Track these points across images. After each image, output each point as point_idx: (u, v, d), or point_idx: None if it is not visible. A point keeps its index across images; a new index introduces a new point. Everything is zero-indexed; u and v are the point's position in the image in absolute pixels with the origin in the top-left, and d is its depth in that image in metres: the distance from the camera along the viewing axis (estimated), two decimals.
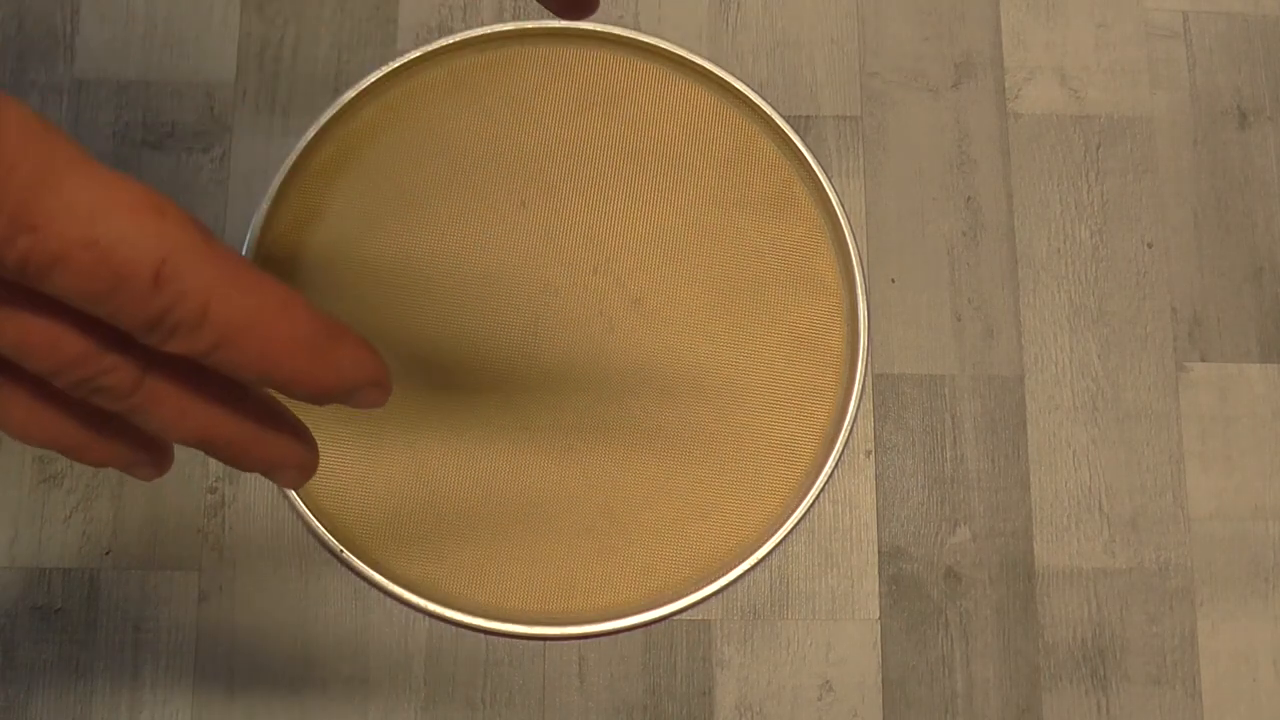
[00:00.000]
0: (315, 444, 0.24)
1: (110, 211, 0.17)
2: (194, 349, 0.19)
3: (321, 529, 0.44)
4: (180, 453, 0.46)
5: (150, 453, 0.23)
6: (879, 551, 0.46)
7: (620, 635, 0.45)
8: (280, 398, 0.22)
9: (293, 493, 0.45)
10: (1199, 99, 0.51)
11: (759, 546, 0.45)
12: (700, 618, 0.45)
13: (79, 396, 0.20)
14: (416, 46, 0.49)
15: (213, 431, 0.21)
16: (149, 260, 0.17)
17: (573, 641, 0.45)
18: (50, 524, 0.45)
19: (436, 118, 0.49)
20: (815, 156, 0.49)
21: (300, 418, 0.23)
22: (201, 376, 0.21)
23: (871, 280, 0.49)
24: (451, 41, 0.49)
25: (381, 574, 0.44)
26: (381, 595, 0.44)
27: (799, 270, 0.48)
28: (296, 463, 0.23)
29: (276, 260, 0.47)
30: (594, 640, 0.45)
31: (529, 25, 0.49)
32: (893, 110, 0.50)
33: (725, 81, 0.49)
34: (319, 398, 0.21)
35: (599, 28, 0.49)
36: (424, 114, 0.49)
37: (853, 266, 0.48)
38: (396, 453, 0.46)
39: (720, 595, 0.45)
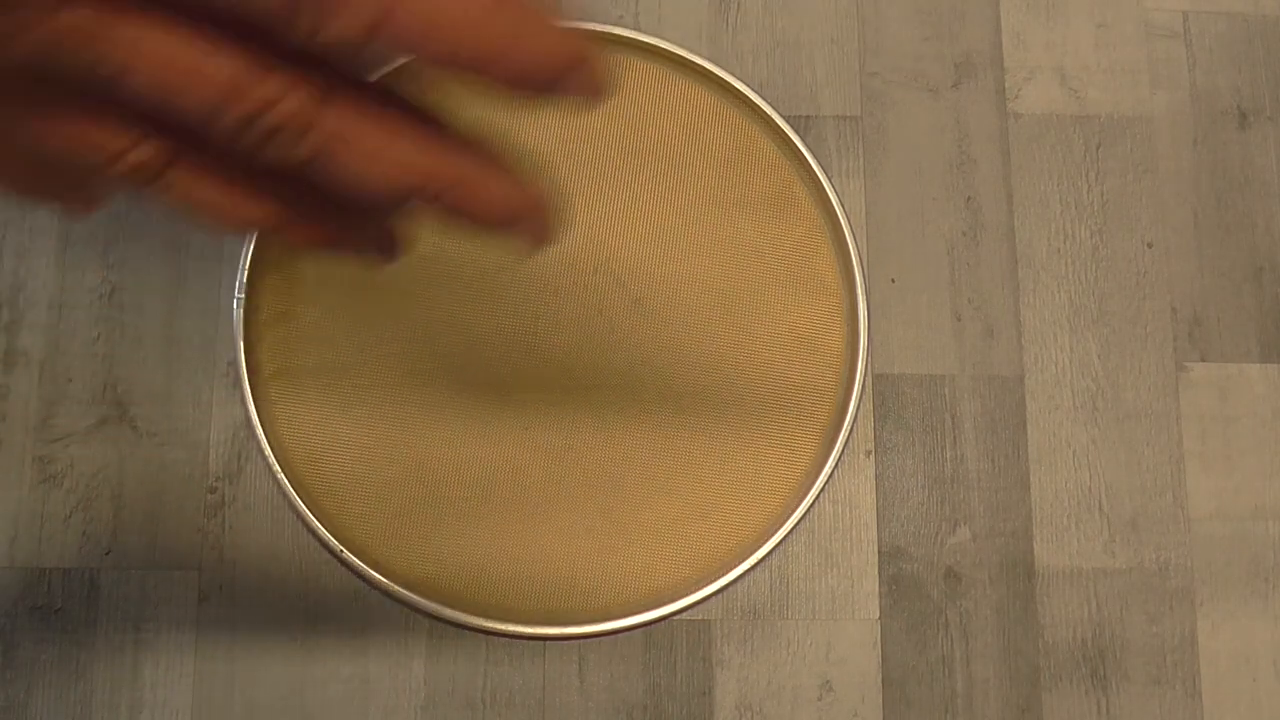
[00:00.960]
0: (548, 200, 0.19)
1: None
2: (356, 25, 0.15)
3: (322, 529, 0.44)
4: (180, 452, 0.46)
5: (363, 227, 0.19)
6: (879, 551, 0.46)
7: (620, 635, 0.45)
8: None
9: (293, 493, 0.45)
10: (1199, 99, 0.51)
11: (759, 546, 0.45)
12: (700, 618, 0.45)
13: (255, 152, 0.16)
14: None
15: (422, 168, 0.17)
16: None
17: (573, 641, 0.45)
18: (50, 524, 0.45)
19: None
20: (815, 156, 0.49)
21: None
22: (389, 105, 0.17)
23: (871, 280, 0.49)
24: None
25: (381, 574, 0.44)
26: (381, 595, 0.44)
27: (799, 270, 0.48)
28: (533, 207, 0.19)
29: (276, 264, 0.47)
30: (594, 640, 0.45)
31: None
32: (893, 110, 0.50)
33: (725, 81, 0.49)
34: (525, 81, 0.16)
35: (599, 28, 0.49)
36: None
37: (853, 266, 0.48)
38: (396, 452, 0.46)
39: (720, 595, 0.45)
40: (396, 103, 0.17)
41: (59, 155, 0.17)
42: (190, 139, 0.17)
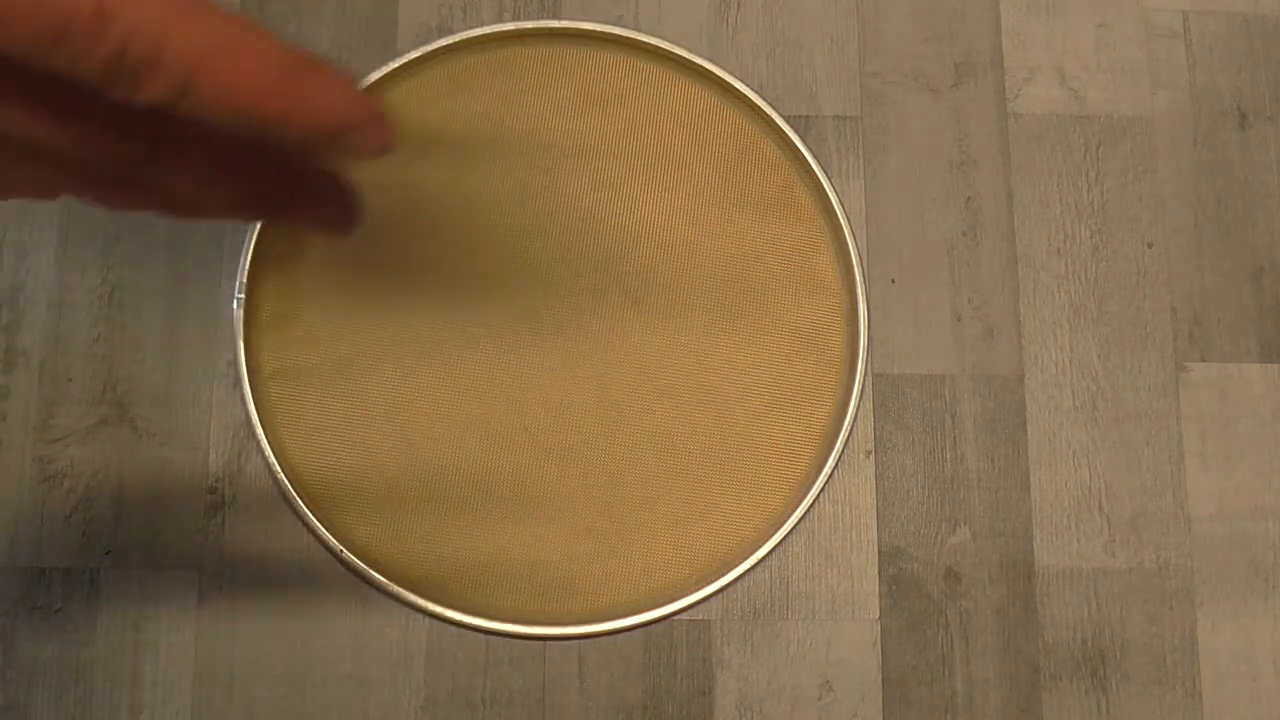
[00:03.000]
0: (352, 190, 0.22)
1: None
2: (161, 94, 0.18)
3: (322, 529, 0.44)
4: (180, 452, 0.46)
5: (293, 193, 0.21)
6: (879, 551, 0.46)
7: (620, 635, 0.45)
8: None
9: (293, 493, 0.45)
10: (1199, 99, 0.51)
11: (759, 546, 0.45)
12: (700, 618, 0.45)
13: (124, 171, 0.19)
14: (416, 46, 0.49)
15: (271, 85, 0.19)
16: (89, 3, 0.17)
17: (573, 641, 0.45)
18: (50, 524, 0.45)
19: (436, 118, 0.49)
20: (815, 156, 0.49)
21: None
22: (216, 140, 0.19)
23: (871, 280, 0.49)
24: (451, 41, 0.49)
25: (381, 574, 0.44)
26: (381, 595, 0.44)
27: (799, 270, 0.48)
28: (371, 110, 0.21)
29: (276, 264, 0.47)
30: (594, 640, 0.45)
31: (529, 25, 0.49)
32: (893, 110, 0.50)
33: (725, 81, 0.49)
34: (311, 138, 0.19)
35: (599, 28, 0.49)
36: (424, 114, 0.49)
37: (853, 266, 0.48)
38: (396, 452, 0.46)
39: (720, 595, 0.45)
40: (201, 138, 0.20)
41: None
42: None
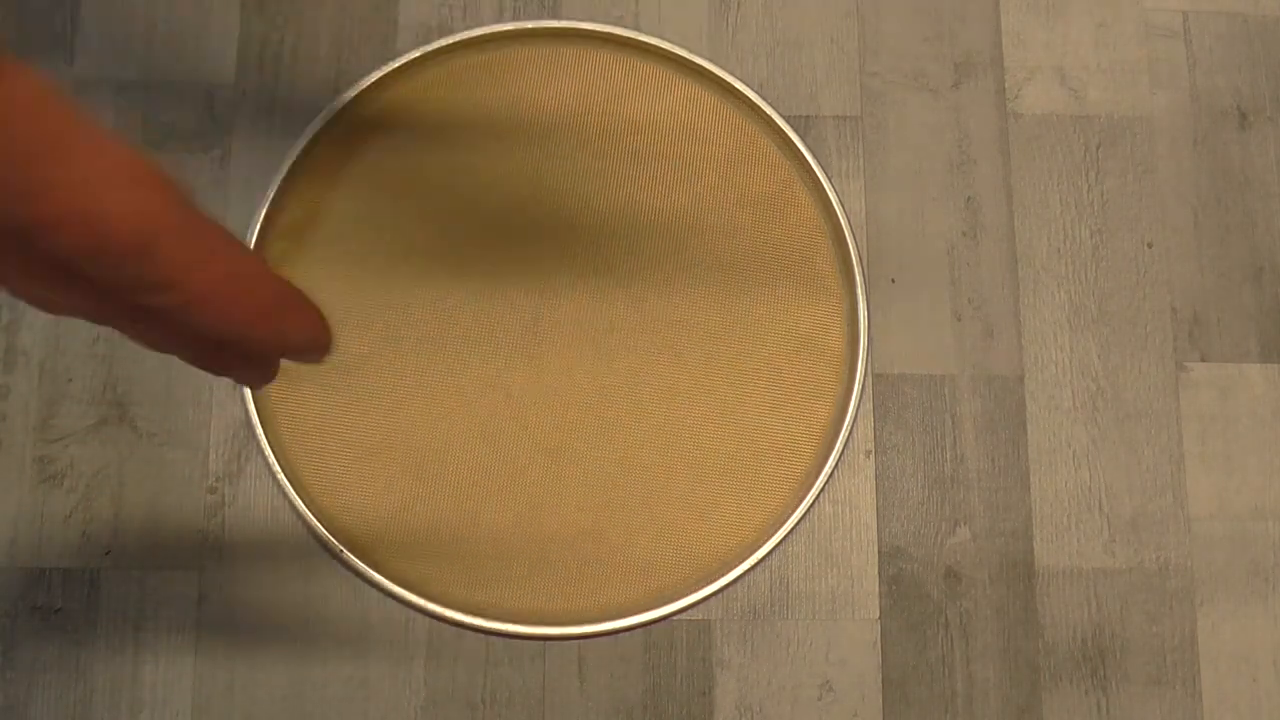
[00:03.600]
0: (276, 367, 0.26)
1: (107, 186, 0.19)
2: (165, 305, 0.21)
3: (322, 529, 0.44)
4: (180, 452, 0.46)
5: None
6: (879, 551, 0.46)
7: (620, 635, 0.45)
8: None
9: (292, 493, 0.45)
10: (1199, 99, 0.51)
11: (759, 546, 0.45)
12: (700, 618, 0.45)
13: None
14: (416, 46, 0.49)
15: (212, 359, 0.24)
16: (133, 236, 0.19)
17: (573, 641, 0.45)
18: (50, 524, 0.45)
19: (436, 118, 0.49)
20: (815, 156, 0.49)
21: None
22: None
23: (871, 280, 0.49)
24: (451, 41, 0.49)
25: (381, 574, 0.44)
26: (381, 595, 0.44)
27: (799, 270, 0.48)
28: (325, 337, 0.25)
29: (276, 264, 0.47)
30: (594, 640, 0.45)
31: (529, 25, 0.49)
32: (893, 110, 0.50)
33: (725, 81, 0.49)
34: (267, 356, 0.24)
35: (599, 28, 0.49)
36: (424, 114, 0.49)
37: (853, 266, 0.48)
38: (396, 453, 0.46)
39: (720, 595, 0.45)
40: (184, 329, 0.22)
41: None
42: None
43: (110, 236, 0.19)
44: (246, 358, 0.25)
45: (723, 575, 0.45)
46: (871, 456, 0.47)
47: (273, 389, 0.46)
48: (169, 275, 0.20)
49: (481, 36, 0.49)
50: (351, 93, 0.48)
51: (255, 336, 0.22)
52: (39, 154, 0.18)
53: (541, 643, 0.45)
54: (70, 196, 0.19)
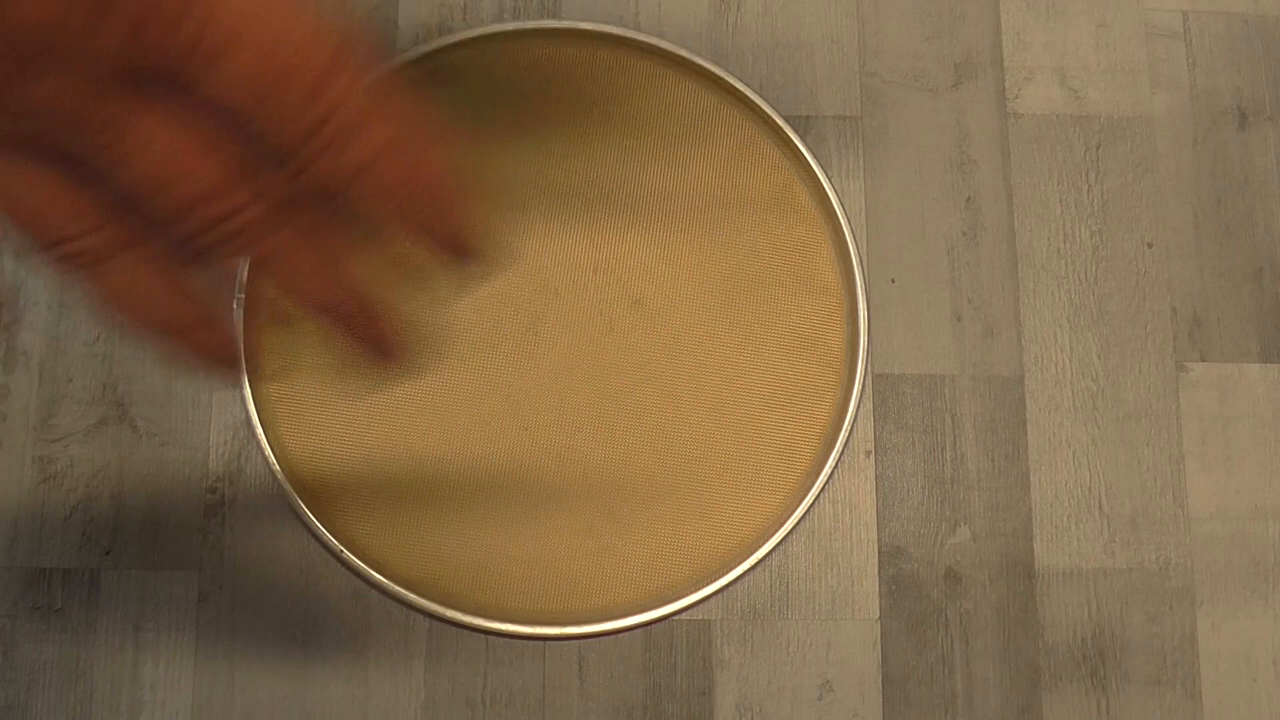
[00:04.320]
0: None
1: (284, 14, 0.17)
2: (344, 166, 0.18)
3: (321, 529, 0.44)
4: (180, 452, 0.46)
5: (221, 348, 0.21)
6: (879, 551, 0.46)
7: (620, 635, 0.45)
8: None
9: (292, 493, 0.45)
10: (1199, 99, 0.51)
11: (759, 546, 0.45)
12: (700, 618, 0.45)
13: (204, 247, 0.18)
14: (416, 46, 0.49)
15: (328, 297, 0.20)
16: (316, 65, 0.17)
17: (573, 641, 0.45)
18: (50, 524, 0.45)
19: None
20: (815, 156, 0.49)
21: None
22: (328, 228, 0.19)
23: (871, 280, 0.49)
24: (451, 41, 0.49)
25: (381, 574, 0.44)
26: (381, 595, 0.44)
27: (799, 270, 0.48)
28: (396, 349, 0.23)
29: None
30: (594, 640, 0.45)
31: (529, 25, 0.49)
32: (893, 110, 0.50)
33: (725, 81, 0.49)
34: (443, 243, 0.20)
35: (599, 28, 0.49)
36: None
37: (853, 266, 0.48)
38: (396, 453, 0.46)
39: (720, 595, 0.45)
40: (332, 226, 0.19)
41: (15, 227, 0.18)
42: (140, 226, 0.18)
43: (291, 62, 0.16)
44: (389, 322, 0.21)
45: (723, 575, 0.45)
46: (871, 456, 0.47)
47: (272, 389, 0.46)
48: (355, 116, 0.17)
49: (481, 36, 0.49)
50: None
51: (447, 210, 0.19)
52: None
53: (541, 643, 0.45)
54: (248, 20, 0.16)
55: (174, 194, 0.17)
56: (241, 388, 0.46)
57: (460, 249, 0.21)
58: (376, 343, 0.22)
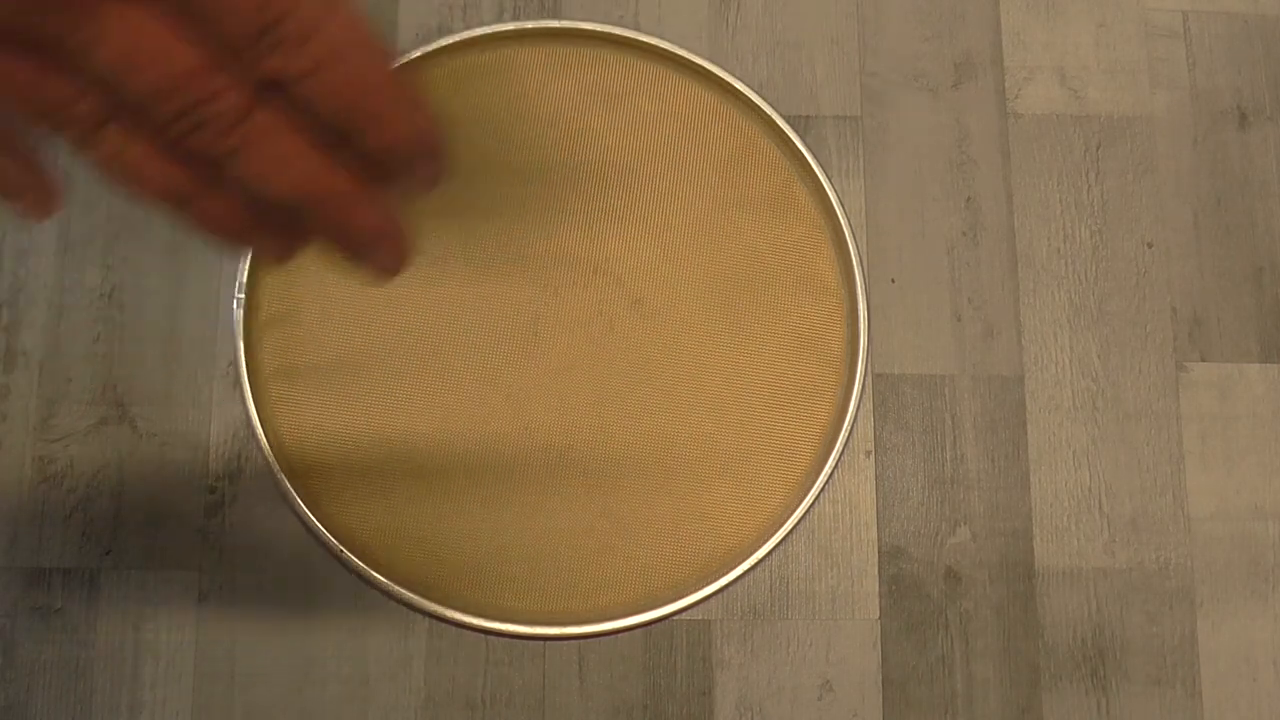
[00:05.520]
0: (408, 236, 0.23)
1: None
2: (293, 66, 0.19)
3: (322, 529, 0.44)
4: (180, 452, 0.46)
5: (259, 216, 0.22)
6: (879, 551, 0.46)
7: (620, 635, 0.45)
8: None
9: (292, 493, 0.45)
10: (1199, 99, 0.51)
11: (759, 546, 0.45)
12: (700, 618, 0.45)
13: (182, 136, 0.19)
14: (416, 46, 0.49)
15: (315, 183, 0.21)
16: None
17: (573, 641, 0.45)
18: (50, 524, 0.45)
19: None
20: (815, 156, 0.49)
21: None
22: (305, 123, 0.20)
23: (871, 280, 0.49)
24: (451, 41, 0.49)
25: (381, 574, 0.44)
26: (381, 595, 0.44)
27: (799, 270, 0.48)
28: (397, 241, 0.23)
29: (272, 265, 0.47)
30: (594, 640, 0.45)
31: (529, 25, 0.49)
32: (893, 110, 0.50)
33: (725, 81, 0.49)
34: (389, 150, 0.21)
35: (599, 28, 0.49)
36: None
37: (853, 266, 0.48)
38: (396, 453, 0.46)
39: (720, 595, 0.45)
40: (310, 122, 0.20)
41: (4, 103, 0.19)
42: (125, 114, 0.19)
43: None
44: (393, 213, 0.22)
45: (723, 575, 0.45)
46: (871, 456, 0.47)
47: (272, 389, 0.46)
48: (308, 21, 0.18)
49: (481, 36, 0.49)
50: None
51: (389, 114, 0.20)
52: None
53: (541, 643, 0.45)
54: None
55: (145, 76, 0.18)
56: (241, 387, 0.46)
57: (412, 155, 0.21)
58: (362, 235, 0.23)
